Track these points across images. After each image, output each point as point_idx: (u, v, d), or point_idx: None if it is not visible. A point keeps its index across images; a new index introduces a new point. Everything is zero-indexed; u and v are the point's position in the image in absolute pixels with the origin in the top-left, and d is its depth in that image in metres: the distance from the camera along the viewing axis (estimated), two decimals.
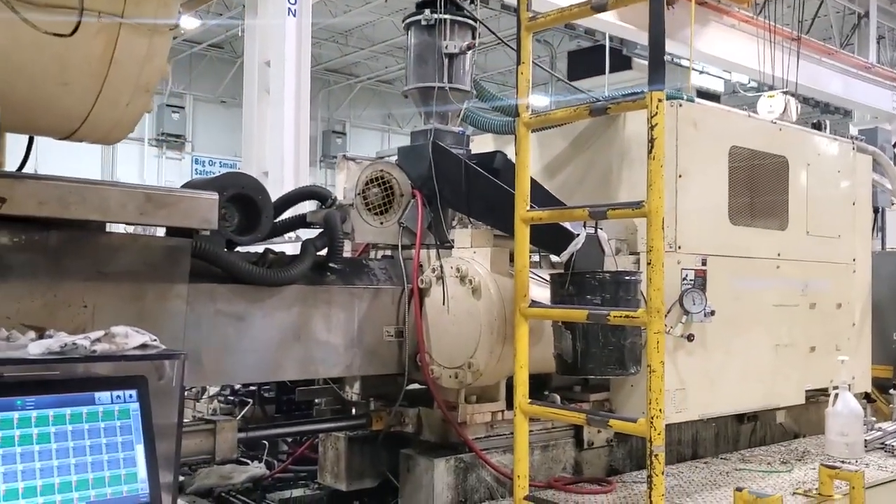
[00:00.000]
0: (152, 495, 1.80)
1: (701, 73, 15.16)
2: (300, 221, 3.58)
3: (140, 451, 1.81)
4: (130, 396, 1.83)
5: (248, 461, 4.15)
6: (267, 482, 4.04)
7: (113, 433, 1.79)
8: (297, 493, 3.94)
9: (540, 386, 3.81)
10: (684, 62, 12.88)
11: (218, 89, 22.56)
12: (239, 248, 3.32)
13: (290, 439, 4.30)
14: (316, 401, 4.07)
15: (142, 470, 1.80)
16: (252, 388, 4.22)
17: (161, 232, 2.99)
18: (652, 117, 2.71)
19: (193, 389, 4.32)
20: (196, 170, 22.20)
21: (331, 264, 3.32)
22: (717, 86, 15.82)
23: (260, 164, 10.24)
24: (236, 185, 3.19)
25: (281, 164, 9.85)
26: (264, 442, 4.12)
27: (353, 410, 3.88)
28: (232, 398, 4.31)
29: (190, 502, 3.68)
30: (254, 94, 10.56)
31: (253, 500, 3.78)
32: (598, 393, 3.92)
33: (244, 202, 3.24)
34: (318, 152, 23.54)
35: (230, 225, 3.21)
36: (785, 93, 8.36)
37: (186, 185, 3.23)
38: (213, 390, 4.42)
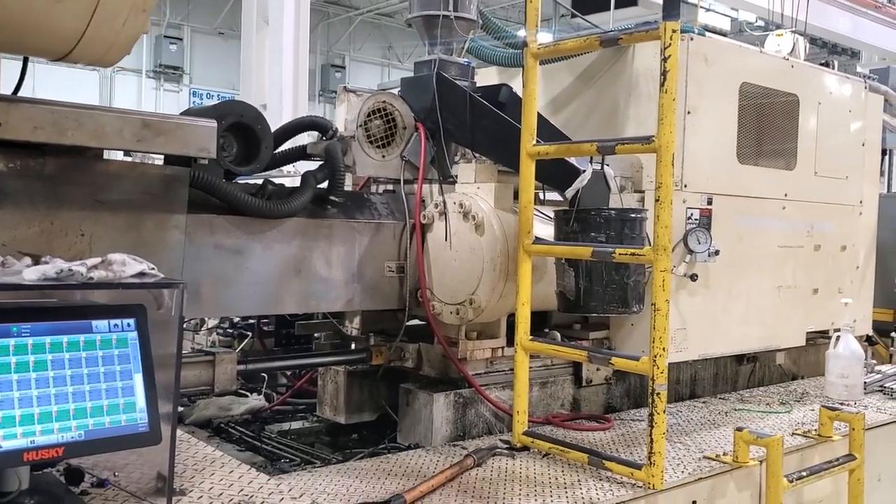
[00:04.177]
0: (151, 425, 1.78)
1: (708, 10, 14.85)
2: (300, 153, 3.51)
3: (138, 380, 1.78)
4: (129, 325, 1.79)
5: (248, 393, 4.16)
6: (265, 414, 4.06)
7: (111, 362, 1.76)
8: (295, 425, 3.96)
9: (540, 323, 3.80)
10: None
11: (216, 21, 22.12)
12: (238, 180, 3.26)
13: (288, 373, 4.30)
14: (315, 335, 4.06)
15: (140, 399, 1.78)
16: (251, 321, 4.20)
17: (160, 161, 2.93)
18: (665, 48, 2.62)
19: (193, 321, 4.31)
20: (194, 102, 21.91)
21: (332, 197, 3.26)
22: (724, 24, 15.50)
23: (258, 96, 10.08)
24: (235, 114, 3.10)
25: (279, 97, 9.70)
26: (263, 375, 4.12)
27: (353, 345, 3.87)
28: (231, 331, 4.30)
29: (189, 432, 3.69)
30: (252, 24, 10.34)
31: (251, 432, 3.79)
32: (598, 331, 3.90)
33: (243, 131, 3.15)
34: (316, 86, 23.21)
35: (228, 155, 3.13)
36: (794, 32, 8.18)
37: (184, 114, 3.14)
38: (212, 322, 4.41)
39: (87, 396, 1.74)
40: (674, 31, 2.62)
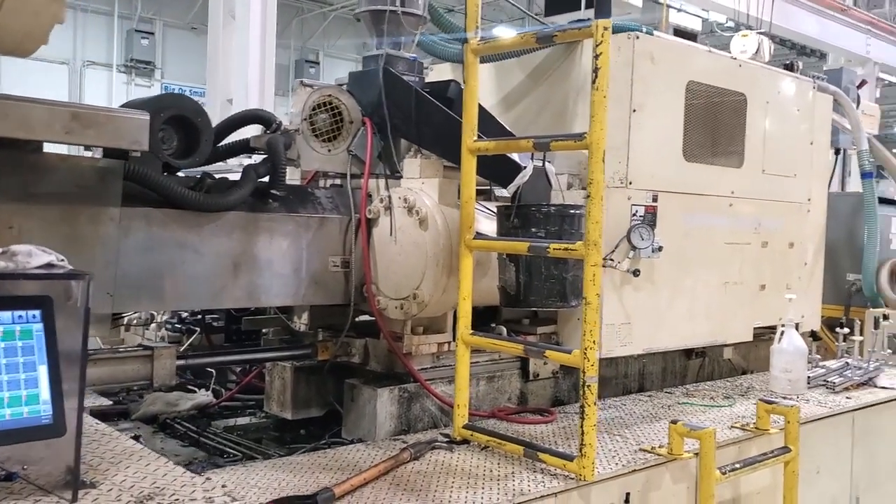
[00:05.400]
0: (55, 417, 1.77)
1: (679, 10, 14.96)
2: (243, 146, 3.50)
3: (43, 372, 1.76)
4: (34, 317, 1.78)
5: (196, 389, 4.15)
6: (213, 410, 4.05)
7: (13, 353, 1.74)
8: (242, 420, 3.95)
9: (490, 318, 3.82)
10: None
11: (188, 15, 21.94)
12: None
13: (238, 368, 4.29)
14: (263, 330, 4.06)
15: (45, 391, 1.76)
16: (199, 316, 4.19)
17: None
18: (597, 46, 2.65)
19: (141, 317, 4.29)
20: None
21: (273, 191, 3.25)
22: (695, 24, 15.61)
23: (224, 91, 10.02)
24: (175, 107, 3.09)
25: (245, 92, 9.64)
26: (211, 370, 4.11)
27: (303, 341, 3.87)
28: (179, 326, 4.29)
29: (134, 428, 3.68)
30: (219, 19, 10.26)
31: (197, 427, 3.78)
32: (546, 326, 3.93)
33: (183, 125, 3.15)
34: (290, 81, 23.09)
35: (169, 148, 3.13)
36: (759, 33, 8.28)
37: (125, 106, 3.13)
38: (160, 318, 4.39)
39: None
40: (605, 29, 2.65)
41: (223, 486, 2.34)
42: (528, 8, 16.65)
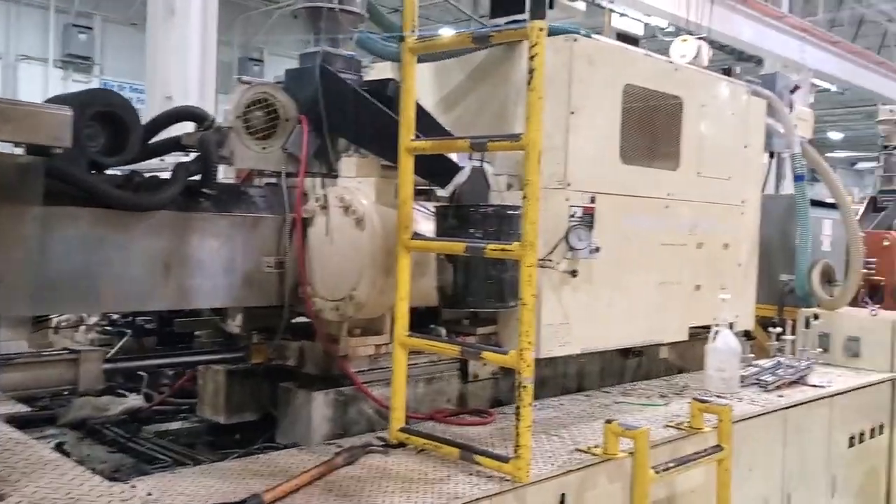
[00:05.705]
0: None
1: (622, 15, 15.17)
2: (174, 144, 3.41)
3: None
4: None
5: (126, 393, 4.02)
6: (145, 414, 3.93)
7: None
8: (174, 425, 3.85)
9: (431, 319, 3.80)
10: (604, 2, 12.84)
11: (129, 11, 21.42)
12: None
13: (171, 371, 4.18)
14: (196, 333, 3.96)
15: None
16: (130, 319, 4.07)
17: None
18: (532, 47, 2.64)
19: (70, 319, 4.15)
20: None
21: (204, 190, 3.17)
22: (637, 29, 15.85)
23: (164, 88, 9.83)
24: (101, 103, 2.99)
25: (185, 89, 9.48)
26: (142, 374, 4.00)
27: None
28: (110, 328, 4.16)
29: (60, 434, 3.55)
30: (158, 14, 10.07)
31: (128, 433, 3.67)
32: (486, 326, 3.92)
33: (111, 121, 3.05)
34: (234, 80, 22.72)
35: (95, 145, 3.02)
36: (699, 38, 8.44)
37: (50, 101, 3.01)
38: (91, 320, 4.25)
39: None
40: (541, 30, 2.65)
41: (148, 494, 2.28)
42: (473, 10, 16.72)
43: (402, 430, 3.13)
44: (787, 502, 4.27)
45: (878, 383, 5.11)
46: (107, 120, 3.03)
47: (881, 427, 5.17)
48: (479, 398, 3.94)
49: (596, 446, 3.15)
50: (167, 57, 9.85)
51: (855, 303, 5.85)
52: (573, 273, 3.71)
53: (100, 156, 3.02)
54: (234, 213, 3.29)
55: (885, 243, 6.74)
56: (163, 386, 4.26)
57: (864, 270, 5.81)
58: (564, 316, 3.78)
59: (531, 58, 2.64)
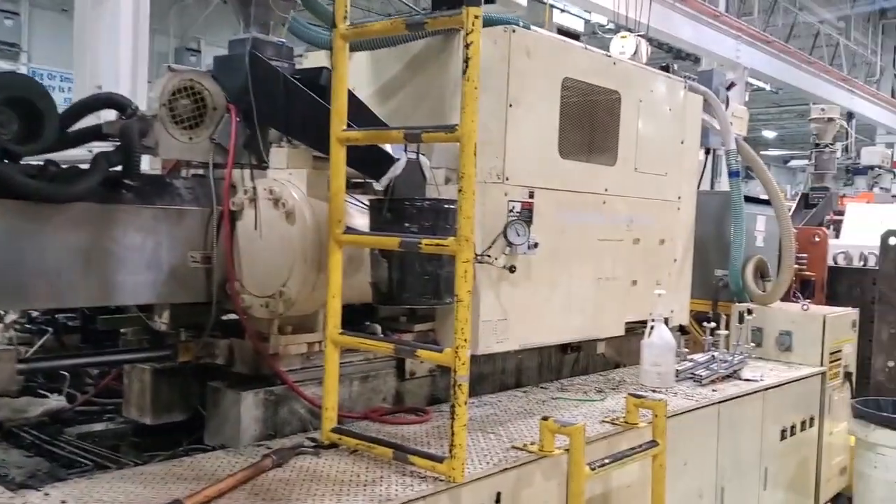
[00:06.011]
0: None
1: (562, 11, 15.25)
2: (95, 133, 3.24)
3: None
4: None
5: (47, 394, 3.84)
6: (67, 416, 3.75)
7: None
8: (98, 427, 3.68)
9: (367, 316, 3.71)
10: None
11: None
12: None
13: (95, 371, 4.01)
14: (122, 330, 3.79)
15: None
16: (51, 316, 3.88)
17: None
18: (467, 35, 2.57)
19: None
20: None
21: (125, 181, 3.02)
22: (578, 25, 15.96)
23: (94, 76, 9.46)
24: (13, 88, 2.82)
25: (116, 78, 9.12)
26: (64, 374, 3.81)
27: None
28: (30, 326, 3.96)
29: None
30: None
31: (48, 436, 3.49)
32: (424, 323, 3.85)
33: (25, 107, 2.87)
34: None
35: (7, 133, 2.85)
36: (638, 35, 8.51)
37: None
38: (9, 318, 4.04)
39: None
40: (476, 17, 2.58)
41: (62, 502, 2.14)
42: (415, 3, 16.64)
43: (335, 430, 3.03)
44: (720, 495, 4.31)
45: (809, 377, 5.21)
46: (19, 106, 2.85)
47: (811, 420, 5.27)
48: (416, 396, 3.87)
49: (532, 443, 3.11)
50: (97, 44, 9.46)
51: (787, 298, 5.96)
52: (511, 269, 3.67)
53: (11, 144, 2.84)
54: (158, 206, 3.14)
55: (816, 239, 6.88)
56: (86, 386, 4.08)
57: (796, 266, 5.93)
58: (503, 312, 3.74)
59: (466, 46, 2.57)
